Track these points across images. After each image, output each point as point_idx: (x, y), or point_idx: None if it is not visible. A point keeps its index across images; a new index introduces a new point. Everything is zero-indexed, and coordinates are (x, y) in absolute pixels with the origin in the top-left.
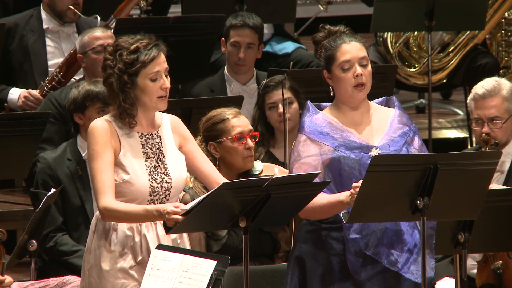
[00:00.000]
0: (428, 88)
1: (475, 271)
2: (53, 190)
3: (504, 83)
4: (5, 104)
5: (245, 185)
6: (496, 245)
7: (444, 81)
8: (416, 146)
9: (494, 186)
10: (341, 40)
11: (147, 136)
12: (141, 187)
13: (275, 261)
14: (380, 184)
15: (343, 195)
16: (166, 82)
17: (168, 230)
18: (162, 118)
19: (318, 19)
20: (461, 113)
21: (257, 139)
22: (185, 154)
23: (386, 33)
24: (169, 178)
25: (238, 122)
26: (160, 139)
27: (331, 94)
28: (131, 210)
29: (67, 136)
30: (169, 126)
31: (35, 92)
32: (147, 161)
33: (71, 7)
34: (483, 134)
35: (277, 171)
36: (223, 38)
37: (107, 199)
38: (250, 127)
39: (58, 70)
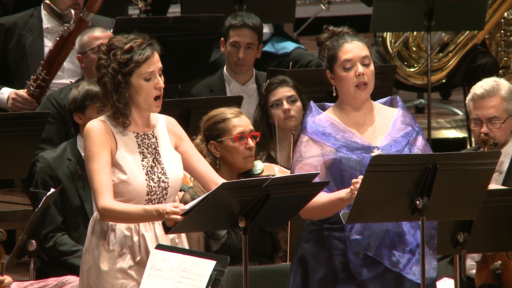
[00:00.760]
0: (427, 88)
1: (474, 271)
2: (52, 190)
3: (502, 83)
4: None
5: (245, 185)
6: (495, 245)
7: (444, 81)
8: (420, 146)
9: (493, 186)
10: (343, 39)
11: (143, 136)
12: (138, 186)
13: (275, 261)
14: (379, 184)
15: (343, 192)
16: (160, 81)
17: (167, 230)
18: (157, 119)
19: (318, 19)
20: (460, 113)
21: (258, 139)
22: (181, 154)
23: (385, 33)
24: (166, 178)
25: (239, 121)
26: (156, 139)
27: (334, 95)
28: (130, 210)
29: (67, 136)
30: (165, 126)
31: (22, 92)
32: (143, 160)
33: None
34: (482, 134)
35: (278, 171)
36: (222, 38)
37: (105, 199)
38: (251, 127)
39: (41, 68)
